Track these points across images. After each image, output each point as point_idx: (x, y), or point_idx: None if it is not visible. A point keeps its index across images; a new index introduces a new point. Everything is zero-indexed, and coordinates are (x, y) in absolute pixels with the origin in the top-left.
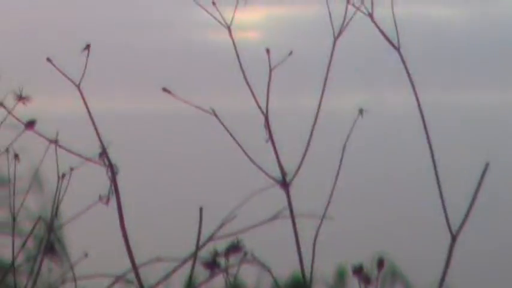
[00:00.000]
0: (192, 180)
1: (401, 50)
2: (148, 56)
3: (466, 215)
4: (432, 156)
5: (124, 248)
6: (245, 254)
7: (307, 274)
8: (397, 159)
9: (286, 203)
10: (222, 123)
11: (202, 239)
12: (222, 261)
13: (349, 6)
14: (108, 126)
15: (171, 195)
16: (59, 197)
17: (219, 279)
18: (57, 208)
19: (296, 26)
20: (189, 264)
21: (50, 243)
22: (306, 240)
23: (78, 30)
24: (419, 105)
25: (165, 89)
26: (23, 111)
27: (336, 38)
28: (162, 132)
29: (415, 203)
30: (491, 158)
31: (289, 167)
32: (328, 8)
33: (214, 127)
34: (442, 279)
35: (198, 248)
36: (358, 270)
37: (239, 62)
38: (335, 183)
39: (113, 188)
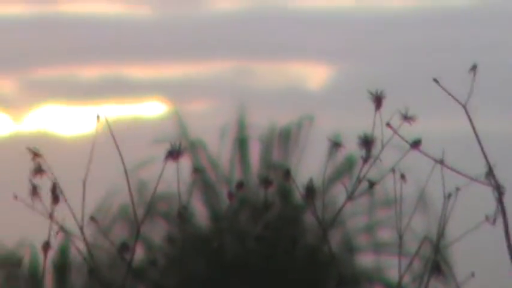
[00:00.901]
0: None
1: None
2: None
3: None
4: None
5: None
6: None
7: None
8: None
9: None
10: None
11: None
12: None
13: None
14: (494, 146)
15: None
16: (444, 217)
17: None
18: (443, 228)
19: None
20: None
21: (436, 263)
22: None
23: (464, 49)
24: None
25: None
26: (409, 130)
27: None
28: None
29: None
30: None
31: None
32: None
33: None
34: None
35: None
36: None
37: None
38: None
39: (499, 208)
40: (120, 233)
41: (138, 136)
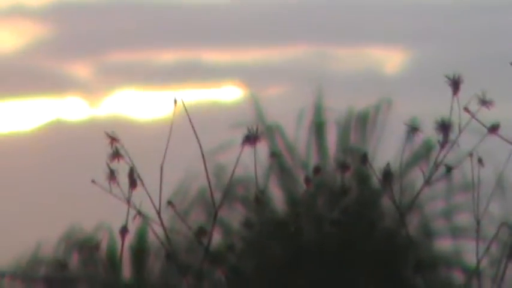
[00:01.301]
0: None
1: None
2: None
3: None
4: None
5: None
6: None
7: None
8: None
9: None
10: None
11: None
12: None
13: None
14: None
15: None
16: None
17: None
18: None
19: None
20: None
21: None
22: None
23: None
24: None
25: None
26: (487, 115)
27: None
28: None
29: None
30: None
31: None
32: None
33: None
34: None
35: None
36: None
37: None
38: None
39: None
40: (197, 217)
41: (215, 120)
